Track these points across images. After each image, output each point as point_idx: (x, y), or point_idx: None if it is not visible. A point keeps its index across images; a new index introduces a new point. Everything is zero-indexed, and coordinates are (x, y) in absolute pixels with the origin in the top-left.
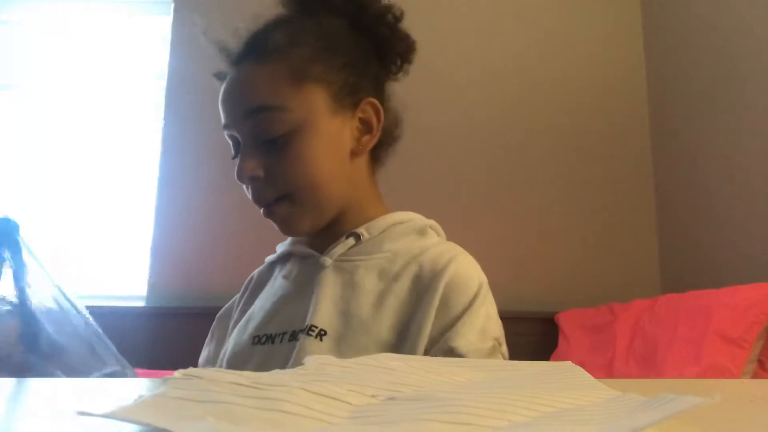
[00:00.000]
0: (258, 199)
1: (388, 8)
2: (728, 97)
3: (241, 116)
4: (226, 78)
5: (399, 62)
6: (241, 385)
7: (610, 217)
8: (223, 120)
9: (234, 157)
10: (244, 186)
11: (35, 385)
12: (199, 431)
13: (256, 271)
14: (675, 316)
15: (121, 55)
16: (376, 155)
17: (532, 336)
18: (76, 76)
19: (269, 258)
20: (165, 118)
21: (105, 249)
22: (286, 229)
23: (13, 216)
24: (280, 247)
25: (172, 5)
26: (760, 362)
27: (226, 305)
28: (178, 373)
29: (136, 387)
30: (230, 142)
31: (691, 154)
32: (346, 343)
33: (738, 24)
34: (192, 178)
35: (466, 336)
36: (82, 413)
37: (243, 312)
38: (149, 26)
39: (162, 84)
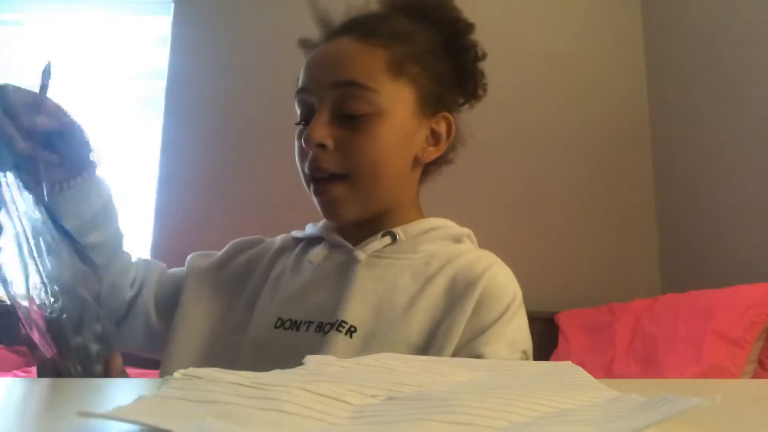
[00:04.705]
0: (315, 168)
1: (475, 44)
2: (728, 97)
3: (330, 84)
4: (316, 47)
5: (467, 97)
6: (241, 385)
7: (610, 217)
8: (302, 83)
9: (298, 123)
10: (296, 153)
11: (35, 385)
12: (199, 431)
13: (279, 238)
14: (675, 316)
15: (121, 55)
16: (426, 169)
17: (532, 336)
18: (75, 75)
19: (297, 233)
20: (165, 118)
21: None
22: (331, 211)
23: None
24: (311, 227)
25: (172, 5)
26: (760, 362)
27: (248, 239)
28: (178, 373)
29: (136, 387)
30: (299, 109)
31: (691, 155)
32: (376, 341)
33: (738, 28)
34: (192, 178)
35: (495, 346)
36: (82, 413)
37: (264, 277)
38: (149, 26)
39: (162, 84)
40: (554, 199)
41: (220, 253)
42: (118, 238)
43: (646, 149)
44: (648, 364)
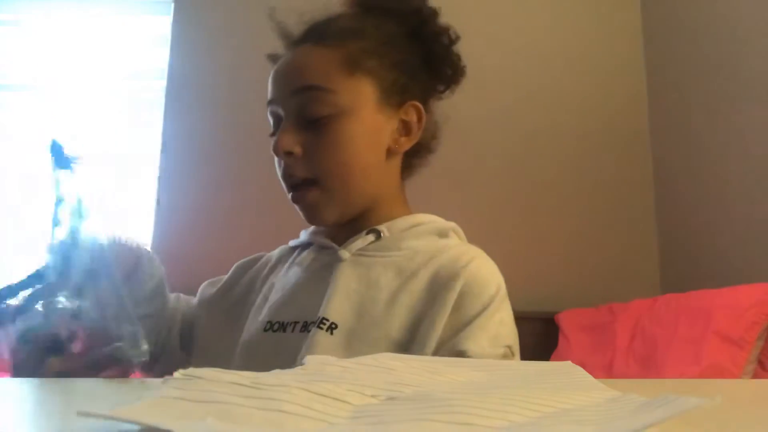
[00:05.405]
0: (288, 176)
1: (446, 29)
2: (728, 98)
3: (289, 92)
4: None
5: (446, 82)
6: (242, 385)
7: (610, 217)
8: (269, 95)
9: (272, 134)
10: (276, 164)
11: (35, 385)
12: (199, 431)
13: (275, 252)
14: (675, 316)
15: (121, 54)
16: (409, 162)
17: (532, 336)
18: (75, 75)
19: (292, 242)
20: (165, 118)
21: None
22: (312, 216)
23: None
24: (304, 234)
25: (172, 5)
26: (760, 362)
27: (249, 259)
28: (178, 374)
29: (136, 387)
30: (271, 120)
31: (691, 155)
32: (357, 338)
33: (738, 28)
34: (192, 178)
35: (478, 341)
36: (82, 413)
37: (260, 290)
38: (149, 26)
39: (162, 84)
40: (554, 199)
41: (225, 278)
42: (165, 309)
43: (646, 149)
44: (648, 364)
